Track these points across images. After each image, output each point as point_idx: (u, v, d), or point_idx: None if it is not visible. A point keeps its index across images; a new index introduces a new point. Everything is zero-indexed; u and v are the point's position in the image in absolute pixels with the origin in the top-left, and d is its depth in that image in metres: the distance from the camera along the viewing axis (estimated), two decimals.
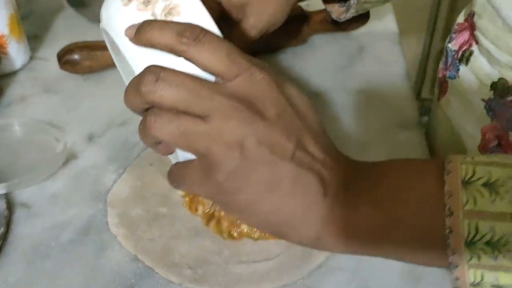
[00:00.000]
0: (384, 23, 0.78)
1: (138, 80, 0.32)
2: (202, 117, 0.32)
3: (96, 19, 0.71)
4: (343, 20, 0.65)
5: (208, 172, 0.33)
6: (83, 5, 0.78)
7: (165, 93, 0.31)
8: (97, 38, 0.69)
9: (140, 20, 0.34)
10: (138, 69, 0.34)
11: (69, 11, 0.80)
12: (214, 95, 0.32)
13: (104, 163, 0.56)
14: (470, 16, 0.58)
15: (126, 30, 0.35)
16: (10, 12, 0.68)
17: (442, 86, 0.63)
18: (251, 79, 0.32)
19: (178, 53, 0.33)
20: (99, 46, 0.68)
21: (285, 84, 0.34)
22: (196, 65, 0.33)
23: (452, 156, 0.32)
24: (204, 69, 0.33)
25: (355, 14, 0.65)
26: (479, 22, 0.55)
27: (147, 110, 0.34)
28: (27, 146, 0.57)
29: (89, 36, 0.69)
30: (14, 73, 0.71)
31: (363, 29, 0.75)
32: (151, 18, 0.35)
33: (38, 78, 0.70)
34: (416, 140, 0.58)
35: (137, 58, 0.34)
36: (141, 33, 0.33)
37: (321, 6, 0.75)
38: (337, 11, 0.65)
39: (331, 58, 0.71)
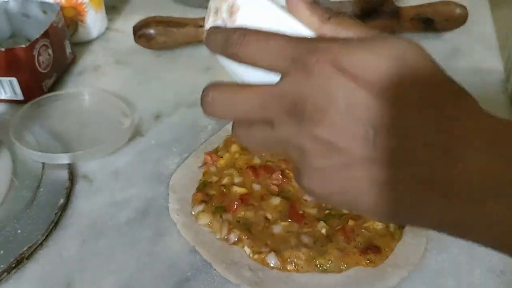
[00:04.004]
0: (481, 25, 0.71)
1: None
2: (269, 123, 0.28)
3: None
4: None
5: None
6: None
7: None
8: (175, 15, 0.67)
9: None
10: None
11: None
12: (271, 100, 0.28)
13: (169, 144, 0.53)
14: None
15: None
16: None
17: None
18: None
19: (231, 57, 0.29)
20: (176, 23, 0.66)
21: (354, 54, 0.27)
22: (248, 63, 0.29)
23: None
24: (255, 65, 0.29)
25: None
26: None
27: None
28: (95, 117, 0.56)
29: (167, 12, 0.67)
30: (89, 42, 0.70)
31: (457, 31, 0.69)
32: (221, 24, 0.31)
33: (112, 49, 0.69)
34: None
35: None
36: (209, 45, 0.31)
37: (414, 1, 0.69)
38: None
39: None
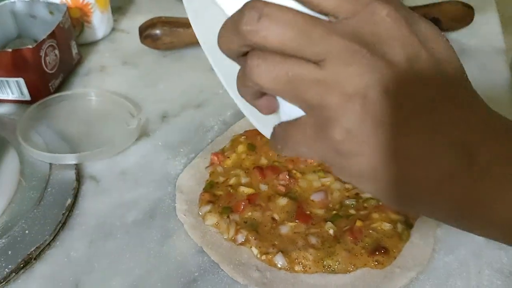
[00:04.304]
0: (488, 25, 0.70)
1: (237, 18, 0.26)
2: (315, 62, 0.26)
3: None
4: None
5: (320, 129, 0.27)
6: None
7: (270, 33, 0.26)
8: (180, 15, 0.67)
9: None
10: (232, 7, 0.28)
11: None
12: (330, 36, 0.26)
13: (176, 144, 0.53)
14: None
15: None
16: None
17: None
18: (373, 16, 0.26)
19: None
20: (182, 23, 0.66)
21: (418, 22, 0.27)
22: (301, 3, 0.27)
23: None
24: (312, 7, 0.27)
25: None
26: None
27: (246, 54, 0.28)
28: (101, 118, 0.56)
29: (172, 12, 0.67)
30: (95, 42, 0.70)
31: (464, 31, 0.68)
32: None
33: (118, 50, 0.69)
34: None
35: None
36: None
37: (420, 1, 0.69)
38: None
39: None
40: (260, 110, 0.31)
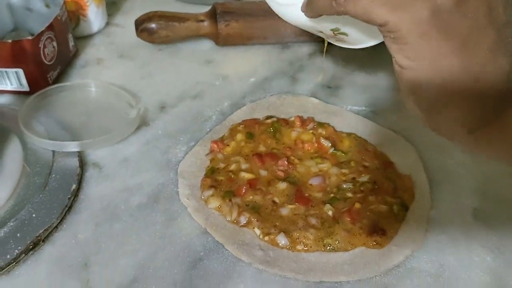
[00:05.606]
0: None
1: None
2: None
3: None
4: None
5: None
6: None
7: None
8: (173, 11, 0.68)
9: None
10: None
11: None
12: None
13: (176, 133, 0.55)
14: None
15: None
16: None
17: None
18: None
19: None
20: (178, 17, 0.67)
21: None
22: None
23: None
24: None
25: None
26: None
27: None
28: (101, 108, 0.57)
29: (165, 8, 0.68)
30: (90, 36, 0.71)
31: None
32: None
33: (113, 43, 0.70)
34: None
35: None
36: None
37: None
38: None
39: None
40: None
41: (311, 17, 0.36)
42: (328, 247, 0.43)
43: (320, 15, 0.35)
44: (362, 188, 0.47)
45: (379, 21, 0.29)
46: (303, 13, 0.36)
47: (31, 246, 0.42)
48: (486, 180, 0.50)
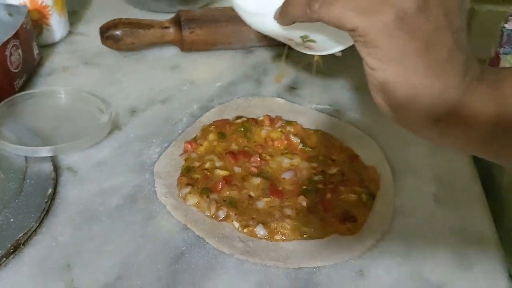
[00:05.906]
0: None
1: None
2: None
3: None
4: None
5: None
6: None
7: None
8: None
9: None
10: None
11: None
12: None
13: (148, 136, 0.56)
14: None
15: None
16: None
17: (493, 64, 0.63)
18: None
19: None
20: (143, 24, 0.68)
21: None
22: None
23: None
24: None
25: None
26: None
27: None
28: (72, 113, 0.57)
29: (127, 16, 0.69)
30: (53, 44, 0.71)
31: None
32: None
33: (78, 51, 0.70)
34: None
35: None
36: None
37: None
38: None
39: None
40: None
41: (283, 25, 0.38)
42: (305, 235, 0.45)
43: (293, 23, 0.37)
44: (332, 180, 0.50)
45: (350, 26, 0.31)
46: (275, 21, 0.38)
47: (11, 250, 0.42)
48: (443, 169, 0.54)
